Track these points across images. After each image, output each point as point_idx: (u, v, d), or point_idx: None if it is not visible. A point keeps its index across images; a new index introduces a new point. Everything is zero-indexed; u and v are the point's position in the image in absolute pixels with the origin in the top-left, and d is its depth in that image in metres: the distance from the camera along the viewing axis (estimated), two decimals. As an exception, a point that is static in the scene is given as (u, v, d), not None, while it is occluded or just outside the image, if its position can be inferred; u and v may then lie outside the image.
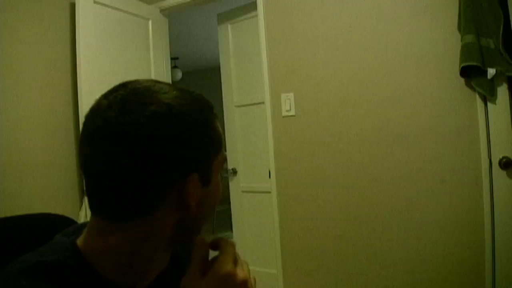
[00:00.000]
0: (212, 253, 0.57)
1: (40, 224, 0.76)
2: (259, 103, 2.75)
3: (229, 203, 3.06)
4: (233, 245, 0.56)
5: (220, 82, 3.09)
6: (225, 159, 0.61)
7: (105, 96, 0.55)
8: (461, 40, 1.80)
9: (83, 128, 0.55)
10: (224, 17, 3.01)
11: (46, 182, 2.29)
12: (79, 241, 0.56)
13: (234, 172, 2.98)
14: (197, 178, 0.55)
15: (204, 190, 0.57)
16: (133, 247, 0.55)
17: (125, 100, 0.52)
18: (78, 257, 0.54)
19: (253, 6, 2.69)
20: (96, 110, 0.54)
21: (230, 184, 3.03)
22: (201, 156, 0.56)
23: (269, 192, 2.52)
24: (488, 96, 1.80)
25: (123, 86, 0.55)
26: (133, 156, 0.50)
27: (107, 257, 0.55)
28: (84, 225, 0.61)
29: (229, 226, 3.80)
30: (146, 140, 0.50)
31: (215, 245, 0.57)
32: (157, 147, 0.51)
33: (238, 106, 2.94)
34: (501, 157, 1.80)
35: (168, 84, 0.58)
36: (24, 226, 0.75)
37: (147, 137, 0.51)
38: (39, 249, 0.55)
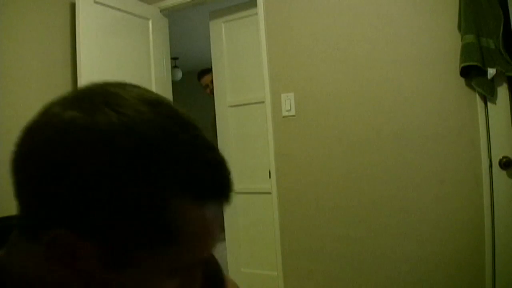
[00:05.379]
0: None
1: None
2: (254, 103, 2.72)
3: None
4: None
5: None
6: None
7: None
8: (461, 40, 1.80)
9: None
10: (217, 14, 2.95)
11: (46, 182, 2.28)
12: None
13: None
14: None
15: None
16: None
17: None
18: None
19: (248, 5, 2.68)
20: None
21: None
22: None
23: (266, 193, 2.51)
24: (488, 96, 1.80)
25: None
26: None
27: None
28: None
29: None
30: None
31: None
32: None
33: (231, 106, 2.89)
34: (501, 157, 1.80)
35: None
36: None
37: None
38: None
